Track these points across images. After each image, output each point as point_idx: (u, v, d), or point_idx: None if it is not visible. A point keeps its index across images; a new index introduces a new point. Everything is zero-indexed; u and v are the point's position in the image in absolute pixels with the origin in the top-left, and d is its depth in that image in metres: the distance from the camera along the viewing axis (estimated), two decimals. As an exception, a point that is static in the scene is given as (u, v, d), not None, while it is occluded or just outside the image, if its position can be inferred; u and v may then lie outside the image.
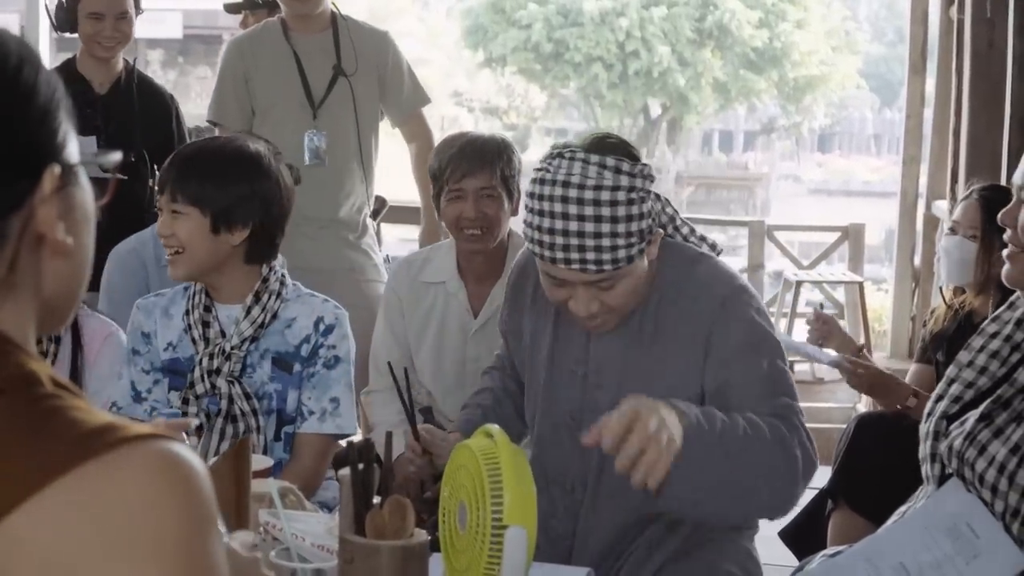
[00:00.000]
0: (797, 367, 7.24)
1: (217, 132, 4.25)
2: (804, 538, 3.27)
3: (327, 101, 4.15)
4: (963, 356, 2.27)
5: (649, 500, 2.13)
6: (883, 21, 31.20)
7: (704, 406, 2.20)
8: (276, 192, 2.68)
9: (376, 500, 1.83)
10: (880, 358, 5.40)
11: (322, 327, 2.71)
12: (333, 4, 4.24)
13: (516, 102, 25.87)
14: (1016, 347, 2.21)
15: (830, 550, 2.44)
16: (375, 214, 4.53)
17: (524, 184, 2.61)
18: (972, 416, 2.15)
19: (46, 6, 4.54)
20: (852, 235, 7.82)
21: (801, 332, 7.27)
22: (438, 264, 3.31)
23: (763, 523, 2.55)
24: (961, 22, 5.65)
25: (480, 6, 22.93)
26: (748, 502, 2.23)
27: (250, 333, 2.68)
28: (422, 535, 1.81)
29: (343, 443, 2.81)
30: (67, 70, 4.27)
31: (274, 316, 2.70)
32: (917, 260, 6.82)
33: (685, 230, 2.51)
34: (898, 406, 3.50)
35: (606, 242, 2.24)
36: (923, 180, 6.80)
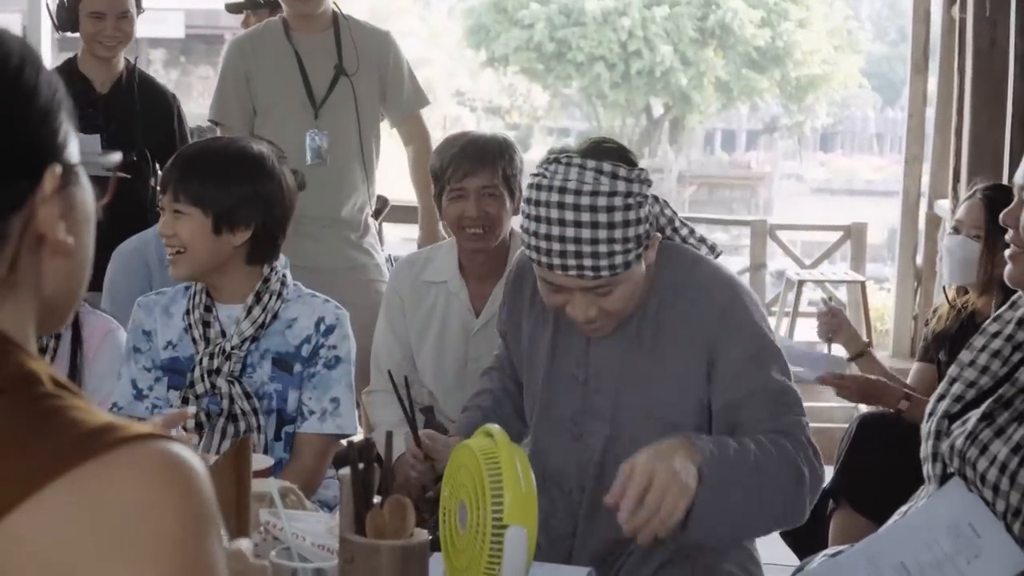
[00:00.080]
0: (799, 367, 7.24)
1: (219, 132, 4.25)
2: (805, 538, 3.27)
3: (329, 101, 4.15)
4: (965, 355, 2.27)
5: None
6: (885, 20, 31.21)
7: (714, 435, 2.23)
8: (278, 193, 2.68)
9: (376, 500, 1.83)
10: (882, 357, 5.40)
11: (323, 327, 2.71)
12: (334, 4, 4.24)
13: (518, 102, 25.89)
14: (1018, 346, 2.21)
15: (831, 550, 2.44)
16: (377, 214, 4.53)
17: (526, 183, 2.60)
18: (974, 415, 2.15)
19: (47, 6, 4.54)
20: (854, 234, 7.83)
21: (802, 331, 7.29)
22: (440, 263, 3.31)
23: (765, 523, 2.55)
24: (963, 21, 5.65)
25: (482, 6, 22.93)
26: (762, 522, 2.28)
27: (251, 333, 2.68)
28: (422, 535, 1.81)
29: (343, 443, 2.82)
30: (68, 69, 4.27)
31: (275, 316, 2.70)
32: (919, 259, 6.82)
33: (684, 231, 2.51)
34: (891, 410, 3.51)
35: (603, 248, 2.23)
36: (925, 179, 6.80)
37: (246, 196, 2.63)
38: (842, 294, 7.48)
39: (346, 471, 1.85)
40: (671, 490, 2.03)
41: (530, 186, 2.30)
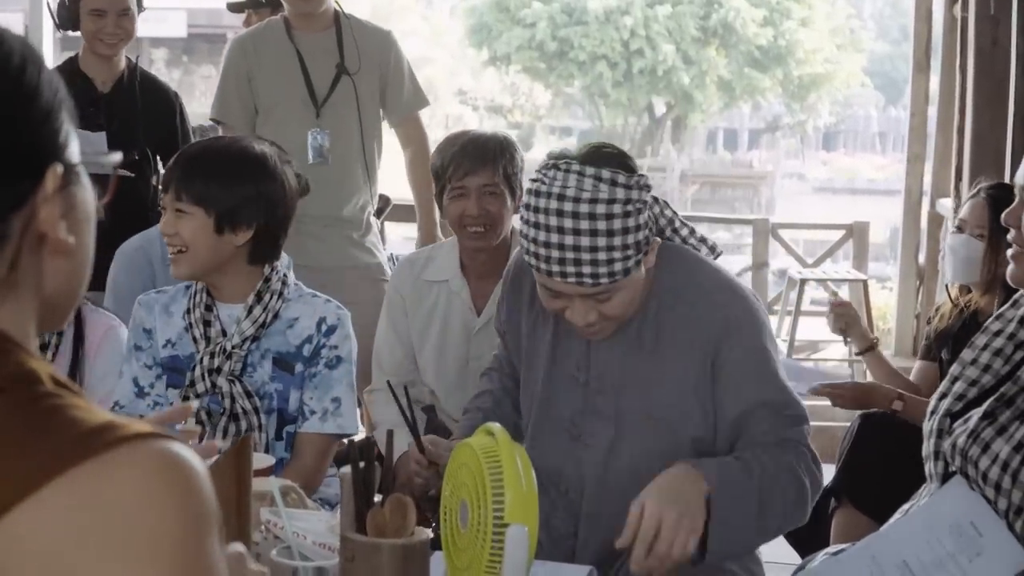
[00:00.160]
0: (802, 365, 7.24)
1: (220, 131, 4.25)
2: (807, 536, 3.26)
3: (330, 100, 4.15)
4: (967, 354, 2.27)
5: None
6: (887, 19, 31.21)
7: (719, 459, 2.28)
8: (281, 194, 2.68)
9: (377, 498, 1.83)
10: (885, 356, 5.40)
11: (324, 327, 2.71)
12: (336, 3, 4.24)
13: (520, 100, 25.90)
14: (1020, 345, 2.21)
15: (833, 548, 2.44)
16: (379, 212, 4.53)
17: (525, 187, 2.60)
18: (975, 414, 2.15)
19: (48, 5, 4.54)
20: (856, 233, 7.83)
21: (804, 330, 7.29)
22: (441, 262, 3.31)
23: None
24: (965, 20, 5.65)
25: (484, 4, 22.94)
26: (766, 536, 2.36)
27: (251, 332, 2.68)
28: (423, 533, 1.81)
29: (344, 442, 2.83)
30: (70, 69, 4.27)
31: (276, 316, 2.70)
32: (921, 258, 6.82)
33: (684, 231, 2.50)
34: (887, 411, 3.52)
35: (602, 256, 2.23)
36: (927, 178, 6.80)
37: (248, 196, 2.63)
38: (844, 293, 7.47)
39: (347, 470, 1.85)
40: (680, 535, 2.09)
41: (529, 192, 2.30)
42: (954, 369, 2.28)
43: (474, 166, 3.15)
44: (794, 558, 3.16)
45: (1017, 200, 2.25)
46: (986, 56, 5.38)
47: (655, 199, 2.38)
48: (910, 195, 6.98)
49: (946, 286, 3.99)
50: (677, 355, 2.38)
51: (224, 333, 2.70)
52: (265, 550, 1.91)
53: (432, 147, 3.54)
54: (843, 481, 3.43)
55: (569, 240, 2.22)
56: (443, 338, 3.29)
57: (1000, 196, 3.53)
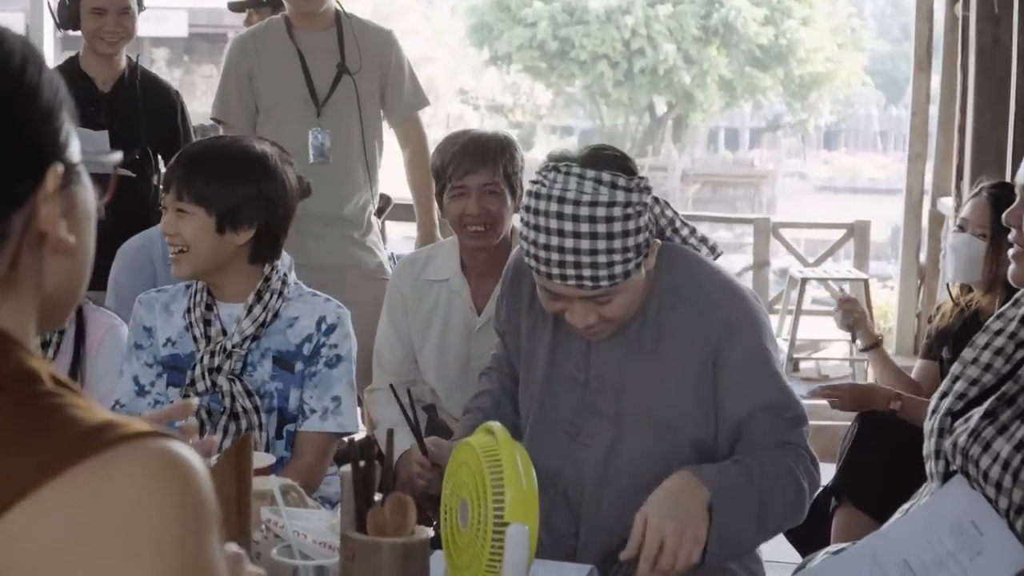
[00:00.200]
0: (802, 364, 7.25)
1: (221, 130, 4.25)
2: (808, 535, 3.27)
3: (331, 99, 4.15)
4: (968, 353, 2.27)
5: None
6: (889, 18, 31.21)
7: (719, 465, 2.30)
8: (281, 193, 2.68)
9: (377, 497, 1.83)
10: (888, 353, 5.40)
11: (324, 326, 2.72)
12: (337, 2, 4.24)
13: (522, 100, 25.90)
14: (1021, 344, 2.21)
15: (833, 547, 2.44)
16: (379, 212, 4.53)
17: (525, 190, 2.61)
18: (976, 413, 2.15)
19: (49, 4, 4.54)
20: (857, 232, 7.83)
21: (805, 329, 7.29)
22: (441, 262, 3.31)
23: (767, 520, 2.58)
24: (966, 19, 5.65)
25: (485, 4, 22.94)
26: (764, 537, 2.40)
27: (251, 331, 2.68)
28: (423, 532, 1.81)
29: (344, 440, 2.83)
30: (70, 68, 4.27)
31: (276, 315, 2.71)
32: (922, 257, 6.83)
33: (685, 232, 2.50)
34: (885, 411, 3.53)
35: (602, 259, 2.23)
36: (929, 177, 6.80)
37: (249, 196, 2.63)
38: (845, 292, 7.48)
39: (347, 468, 1.86)
40: (683, 549, 2.13)
41: (529, 194, 2.29)
42: (955, 368, 2.28)
43: (474, 165, 3.15)
44: (795, 557, 3.16)
45: (1018, 200, 2.24)
46: (987, 55, 5.38)
47: (655, 199, 2.38)
48: (911, 194, 6.98)
49: (947, 285, 3.99)
50: (677, 355, 2.38)
51: (224, 332, 2.70)
52: (265, 549, 1.92)
53: (432, 147, 3.54)
54: (844, 480, 3.44)
55: (569, 243, 2.22)
56: (444, 337, 3.29)
57: (1002, 195, 3.53)
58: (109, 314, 3.08)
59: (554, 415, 2.49)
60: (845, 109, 28.16)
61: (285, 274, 2.77)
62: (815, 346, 7.92)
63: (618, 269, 2.24)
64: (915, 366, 3.95)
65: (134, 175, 4.13)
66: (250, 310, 2.69)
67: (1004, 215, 2.26)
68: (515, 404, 2.65)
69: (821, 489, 3.39)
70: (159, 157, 4.37)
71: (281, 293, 2.72)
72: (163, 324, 2.77)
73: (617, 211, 2.22)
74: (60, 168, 1.04)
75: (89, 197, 1.10)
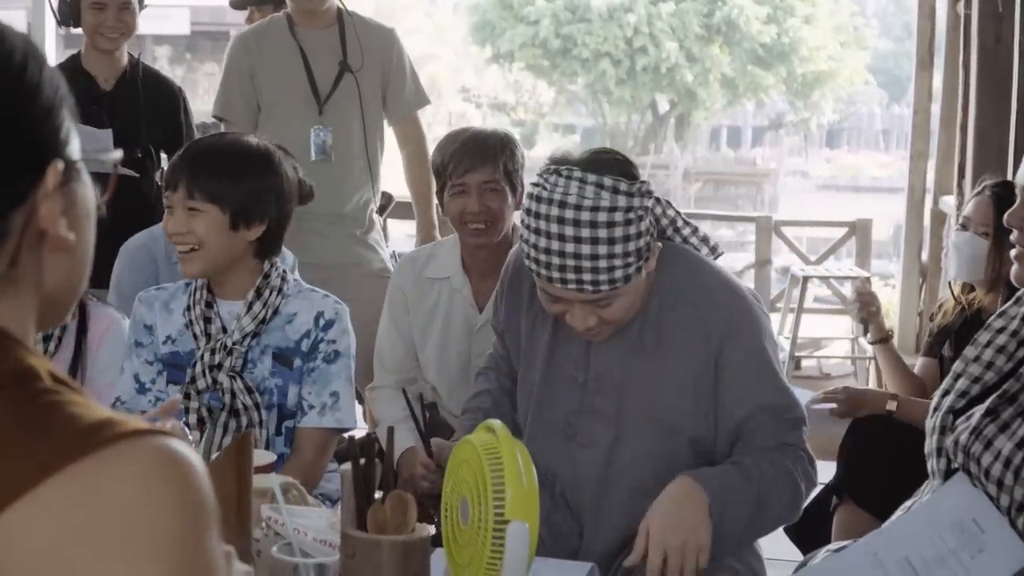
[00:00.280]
0: (804, 362, 7.25)
1: (223, 128, 4.25)
2: (809, 533, 3.27)
3: (333, 97, 4.15)
4: (969, 351, 2.27)
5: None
6: (891, 16, 31.19)
7: (719, 468, 2.33)
8: (286, 188, 2.70)
9: (378, 495, 1.83)
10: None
11: (322, 322, 2.72)
12: (339, 0, 4.24)
13: (524, 98, 25.90)
14: (1023, 342, 2.21)
15: (835, 545, 2.44)
16: (381, 210, 4.53)
17: (527, 179, 2.61)
18: (978, 411, 2.15)
19: (50, 1, 4.53)
20: (859, 230, 7.83)
21: (807, 327, 7.29)
22: (442, 260, 3.31)
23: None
24: (968, 17, 5.65)
25: (487, 2, 22.95)
26: (760, 532, 2.43)
27: (251, 328, 2.69)
28: (424, 530, 1.81)
29: (345, 437, 2.83)
30: (72, 66, 4.26)
31: (275, 312, 2.71)
32: (924, 255, 6.82)
33: (686, 231, 2.50)
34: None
35: (603, 263, 2.23)
36: (930, 175, 6.79)
37: (260, 191, 2.65)
38: (847, 290, 7.48)
39: (348, 466, 1.86)
40: (687, 560, 2.18)
41: (530, 196, 2.30)
42: (957, 366, 2.28)
43: (474, 163, 3.15)
44: (796, 555, 3.16)
45: (1018, 201, 2.24)
46: (989, 53, 5.38)
47: (657, 199, 2.38)
48: (913, 192, 6.98)
49: (949, 283, 3.99)
50: (678, 355, 2.39)
51: (224, 330, 2.70)
52: (266, 546, 1.92)
53: (434, 145, 3.55)
54: (845, 478, 3.43)
55: (570, 248, 2.22)
56: (445, 335, 3.29)
57: (1005, 194, 3.53)
58: (111, 310, 3.08)
59: (551, 415, 2.49)
60: (847, 107, 28.17)
61: (284, 271, 2.78)
62: (817, 344, 7.92)
63: (619, 273, 2.25)
64: (917, 364, 3.95)
65: (137, 175, 4.13)
66: (250, 307, 2.69)
67: (1005, 216, 2.26)
68: (514, 403, 2.65)
69: (822, 487, 3.40)
70: (162, 154, 4.36)
71: (280, 290, 2.73)
72: (163, 322, 2.77)
73: (618, 216, 2.22)
74: (60, 165, 1.04)
75: (89, 195, 1.10)
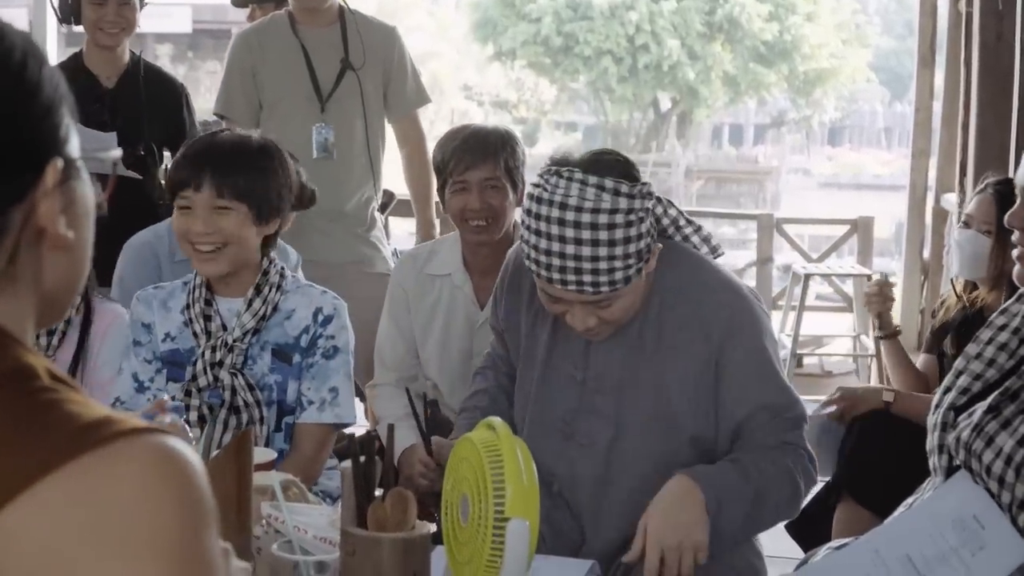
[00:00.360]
0: (805, 360, 7.25)
1: (224, 125, 4.25)
2: (809, 531, 3.27)
3: (335, 95, 4.15)
4: (971, 348, 2.27)
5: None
6: (893, 14, 31.17)
7: (717, 466, 2.34)
8: (293, 183, 2.74)
9: (378, 493, 1.83)
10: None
11: (321, 317, 2.72)
12: (341, -3, 4.24)
13: (526, 96, 25.90)
14: (1024, 340, 2.21)
15: (835, 542, 2.44)
16: (383, 208, 4.53)
17: (528, 177, 2.61)
18: (980, 408, 2.15)
19: (50, -1, 4.53)
20: (861, 228, 7.83)
21: (808, 325, 7.28)
22: (444, 257, 3.31)
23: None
24: (970, 15, 5.64)
25: (489, 0, 22.93)
26: (758, 529, 2.45)
27: (252, 325, 2.69)
28: (424, 527, 1.81)
29: (345, 433, 2.83)
30: (73, 65, 4.25)
31: (275, 308, 2.72)
32: (926, 253, 6.82)
33: (688, 230, 2.50)
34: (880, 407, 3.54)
35: (603, 265, 2.24)
36: (932, 173, 6.79)
37: (280, 186, 2.69)
38: (848, 288, 7.47)
39: (348, 464, 1.86)
40: (684, 559, 2.19)
41: (530, 197, 2.30)
42: (958, 363, 2.28)
43: (475, 160, 3.15)
44: (797, 552, 3.17)
45: (1019, 202, 2.25)
46: (991, 51, 5.37)
47: (658, 199, 2.38)
48: (915, 190, 6.97)
49: (951, 280, 3.99)
50: (679, 354, 2.39)
51: (224, 327, 2.70)
52: (266, 544, 1.92)
53: (434, 143, 3.55)
54: (845, 476, 3.43)
55: (570, 249, 2.23)
56: (446, 332, 3.29)
57: (1007, 192, 3.53)
58: (115, 305, 3.08)
59: (550, 414, 2.49)
60: (849, 105, 28.15)
61: (282, 267, 2.78)
62: (818, 342, 7.92)
63: (619, 275, 2.25)
64: (918, 360, 3.96)
65: (141, 177, 4.12)
66: (250, 304, 2.70)
67: (1006, 217, 2.26)
68: (511, 402, 2.65)
69: (822, 485, 3.40)
70: (164, 152, 4.36)
71: (279, 286, 2.73)
72: (161, 320, 2.77)
73: (619, 218, 2.22)
74: (60, 163, 1.04)
75: (88, 193, 1.10)
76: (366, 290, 3.88)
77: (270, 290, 2.71)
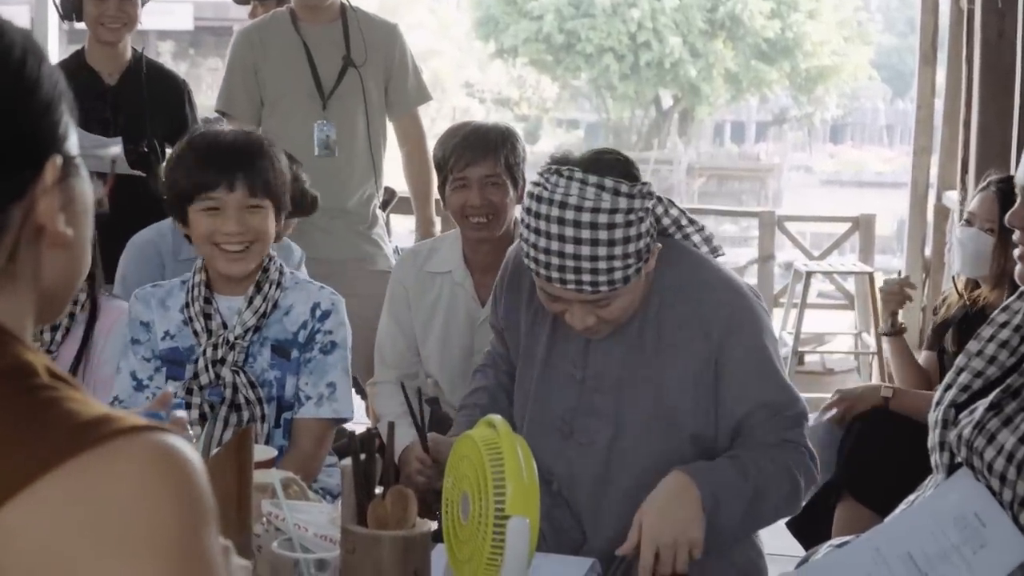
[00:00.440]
0: (807, 358, 7.25)
1: (225, 122, 4.24)
2: (810, 529, 3.27)
3: (337, 92, 4.15)
4: (973, 345, 2.27)
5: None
6: (895, 11, 31.14)
7: (716, 463, 2.34)
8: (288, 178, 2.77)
9: (379, 490, 1.83)
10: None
11: (319, 313, 2.73)
12: (342, -5, 4.24)
13: (527, 93, 25.88)
14: (1026, 337, 2.21)
15: (837, 540, 2.44)
16: (384, 205, 4.53)
17: (529, 174, 2.61)
18: (981, 405, 2.15)
19: (51, -5, 4.52)
20: (863, 225, 7.81)
21: (810, 323, 7.28)
22: (444, 254, 3.31)
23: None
24: (971, 12, 5.63)
25: (491, -3, 22.92)
26: (759, 525, 2.45)
27: (253, 323, 2.69)
28: (424, 525, 1.81)
29: (346, 430, 2.84)
30: (75, 63, 4.25)
31: (275, 305, 2.72)
32: (928, 251, 6.81)
33: (689, 229, 2.50)
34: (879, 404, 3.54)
35: (603, 265, 2.24)
36: (934, 171, 6.78)
37: (284, 180, 2.72)
38: (850, 285, 7.46)
39: (348, 462, 1.86)
40: (679, 555, 2.20)
41: (530, 195, 2.30)
42: (960, 360, 2.28)
43: (476, 157, 3.15)
44: (798, 550, 3.17)
45: (1019, 202, 2.24)
46: (992, 48, 5.36)
47: (659, 199, 2.38)
48: (916, 188, 6.96)
49: (952, 277, 3.99)
50: (679, 353, 2.39)
51: (225, 325, 2.70)
52: (266, 542, 1.92)
53: (435, 141, 3.55)
54: (845, 475, 3.43)
55: (570, 248, 2.23)
56: (447, 329, 3.29)
57: (1010, 190, 3.52)
58: (121, 302, 3.08)
59: (549, 413, 2.49)
60: (851, 103, 28.12)
61: (281, 264, 2.78)
62: (820, 340, 7.91)
63: (618, 275, 2.25)
64: (920, 357, 3.96)
65: (144, 175, 4.12)
66: (251, 301, 2.70)
67: (1007, 217, 2.26)
68: (511, 400, 2.66)
69: (822, 483, 3.40)
70: (167, 148, 4.35)
71: (279, 283, 2.73)
72: (160, 318, 2.77)
73: (619, 218, 2.22)
74: (59, 161, 1.04)
75: (87, 190, 1.10)
76: (367, 287, 3.88)
77: (270, 287, 2.72)
